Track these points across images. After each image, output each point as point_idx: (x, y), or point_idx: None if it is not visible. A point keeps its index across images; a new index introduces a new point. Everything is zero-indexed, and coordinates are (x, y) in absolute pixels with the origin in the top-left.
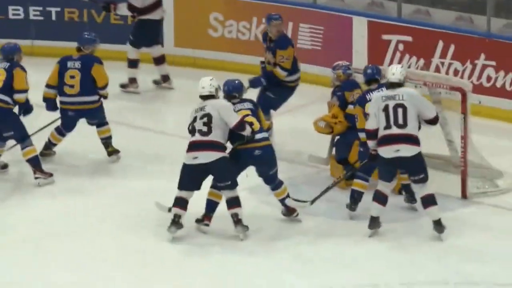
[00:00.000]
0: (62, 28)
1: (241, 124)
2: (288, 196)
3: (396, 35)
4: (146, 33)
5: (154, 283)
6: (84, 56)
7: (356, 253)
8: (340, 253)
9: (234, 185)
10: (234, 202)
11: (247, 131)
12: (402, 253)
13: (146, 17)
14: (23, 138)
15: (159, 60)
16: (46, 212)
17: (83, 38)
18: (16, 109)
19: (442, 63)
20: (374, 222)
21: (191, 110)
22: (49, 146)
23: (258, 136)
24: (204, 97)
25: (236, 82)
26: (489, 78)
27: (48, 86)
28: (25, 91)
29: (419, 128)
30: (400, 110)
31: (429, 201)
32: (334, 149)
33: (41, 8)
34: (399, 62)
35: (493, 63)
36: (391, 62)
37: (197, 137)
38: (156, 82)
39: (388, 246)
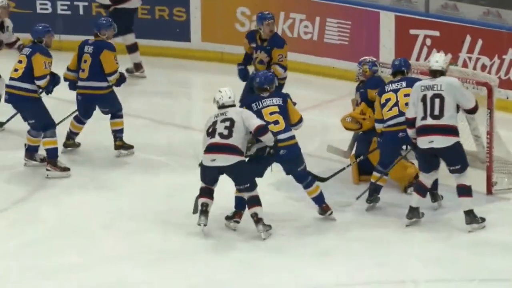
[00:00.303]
0: (90, 22)
1: (262, 128)
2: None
3: (424, 30)
4: (122, 21)
5: (174, 279)
6: (98, 41)
7: (382, 249)
8: (365, 249)
9: (252, 187)
10: (253, 201)
11: (267, 138)
12: (427, 250)
13: (122, 6)
14: (45, 127)
15: (132, 49)
16: (64, 208)
17: (99, 23)
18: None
19: (470, 58)
20: (413, 213)
21: (209, 117)
22: (70, 135)
23: (283, 135)
24: (227, 106)
25: (269, 74)
26: None
27: (68, 69)
28: (44, 76)
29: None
30: (437, 101)
31: (464, 191)
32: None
33: (68, 3)
34: (426, 57)
35: None
36: (418, 57)
37: (217, 139)
38: (128, 71)
39: (413, 241)
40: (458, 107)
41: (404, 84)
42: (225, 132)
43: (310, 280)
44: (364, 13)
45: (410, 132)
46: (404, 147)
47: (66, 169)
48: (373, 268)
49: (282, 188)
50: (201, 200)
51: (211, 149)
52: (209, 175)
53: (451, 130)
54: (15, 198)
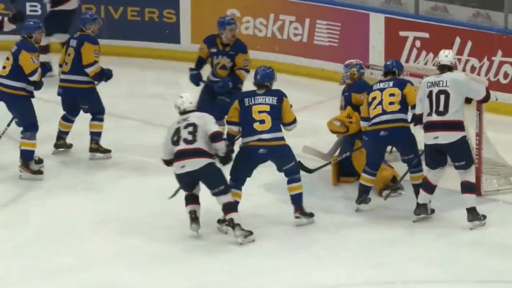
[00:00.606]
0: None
1: (217, 135)
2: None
3: (413, 31)
4: (59, 21)
5: (174, 280)
6: (82, 35)
7: (381, 249)
8: (364, 250)
9: (227, 189)
10: (229, 208)
11: (220, 146)
12: (427, 250)
13: (59, 8)
14: (26, 127)
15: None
16: (59, 210)
17: (83, 18)
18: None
19: (459, 60)
20: (420, 209)
21: (170, 125)
22: (60, 135)
23: (266, 135)
24: (188, 112)
25: (269, 71)
26: (506, 75)
27: (59, 65)
28: (35, 71)
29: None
30: (442, 97)
31: (467, 188)
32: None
33: None
34: (416, 59)
35: (511, 59)
36: (408, 59)
37: (182, 145)
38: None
39: (413, 242)
40: (468, 99)
41: (391, 84)
42: (189, 137)
43: (309, 280)
44: (354, 15)
45: (419, 128)
46: (388, 149)
47: (39, 172)
48: (373, 268)
49: (272, 189)
50: (188, 208)
51: (179, 156)
52: (184, 182)
53: (456, 125)
54: (5, 200)
